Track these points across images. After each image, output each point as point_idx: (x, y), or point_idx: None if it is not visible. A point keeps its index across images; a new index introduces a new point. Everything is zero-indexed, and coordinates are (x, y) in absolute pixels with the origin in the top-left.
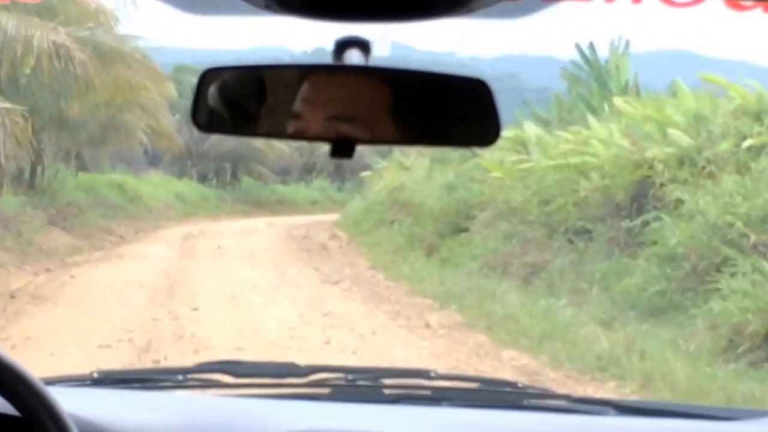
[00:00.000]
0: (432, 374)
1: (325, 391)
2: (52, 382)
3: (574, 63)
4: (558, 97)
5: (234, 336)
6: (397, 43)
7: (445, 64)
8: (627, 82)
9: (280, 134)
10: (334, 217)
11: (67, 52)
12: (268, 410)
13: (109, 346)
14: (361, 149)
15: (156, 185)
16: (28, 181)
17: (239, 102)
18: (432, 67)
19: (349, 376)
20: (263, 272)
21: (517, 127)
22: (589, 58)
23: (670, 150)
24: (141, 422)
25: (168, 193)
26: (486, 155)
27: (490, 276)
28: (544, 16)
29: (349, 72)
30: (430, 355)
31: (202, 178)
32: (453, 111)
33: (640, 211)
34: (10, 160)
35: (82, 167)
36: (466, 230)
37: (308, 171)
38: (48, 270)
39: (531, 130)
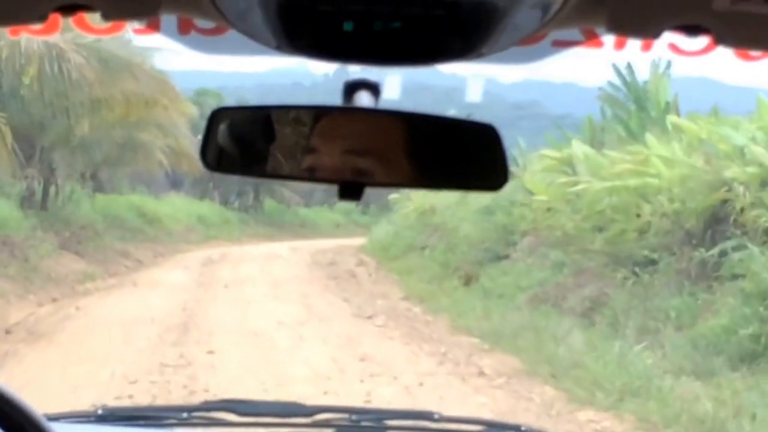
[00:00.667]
0: (436, 416)
1: (329, 431)
2: (56, 418)
3: (611, 84)
4: (590, 119)
5: (256, 389)
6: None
7: (463, 90)
8: (667, 104)
9: (291, 176)
10: (359, 241)
11: (63, 54)
12: None
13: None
14: None
15: (177, 207)
16: (40, 203)
17: (248, 142)
18: (452, 94)
19: (353, 417)
20: (289, 304)
21: (564, 146)
22: (627, 79)
23: (751, 170)
24: None
25: (189, 216)
26: (527, 176)
27: (542, 311)
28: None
29: (360, 114)
30: (491, 413)
31: (224, 201)
32: (463, 155)
33: (714, 239)
34: None
35: (99, 188)
36: (506, 257)
37: (332, 193)
38: (54, 300)
39: (579, 148)
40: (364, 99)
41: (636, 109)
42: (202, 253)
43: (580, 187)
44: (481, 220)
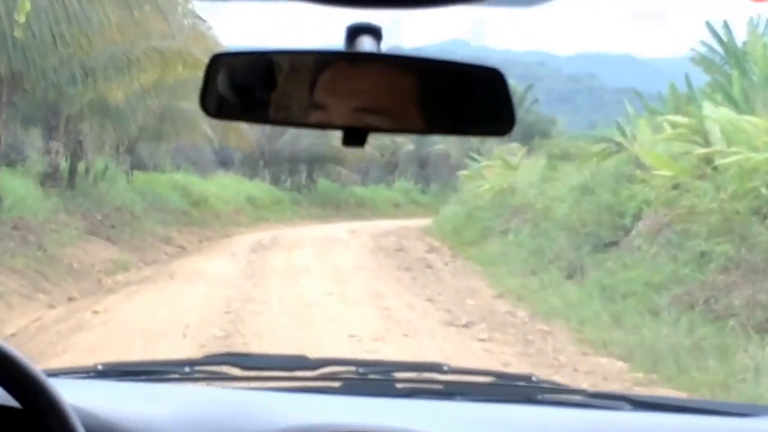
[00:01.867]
0: (445, 368)
1: (336, 384)
2: (55, 374)
3: (706, 46)
4: (673, 87)
5: None
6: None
7: (521, 63)
8: None
9: (293, 122)
10: (422, 222)
11: None
12: (277, 403)
13: None
14: (450, 149)
15: (224, 187)
16: (66, 181)
17: (250, 88)
18: (508, 68)
19: (360, 370)
20: (359, 307)
21: (691, 108)
22: (723, 40)
23: None
24: (146, 414)
25: (238, 196)
26: (638, 147)
27: (700, 320)
28: (616, 12)
29: (363, 59)
30: None
31: (275, 180)
32: (468, 100)
33: None
34: None
35: (139, 165)
36: (614, 245)
37: (389, 171)
38: (70, 300)
39: (716, 112)
40: (366, 44)
41: (738, 73)
42: (252, 237)
43: (733, 158)
44: (579, 200)
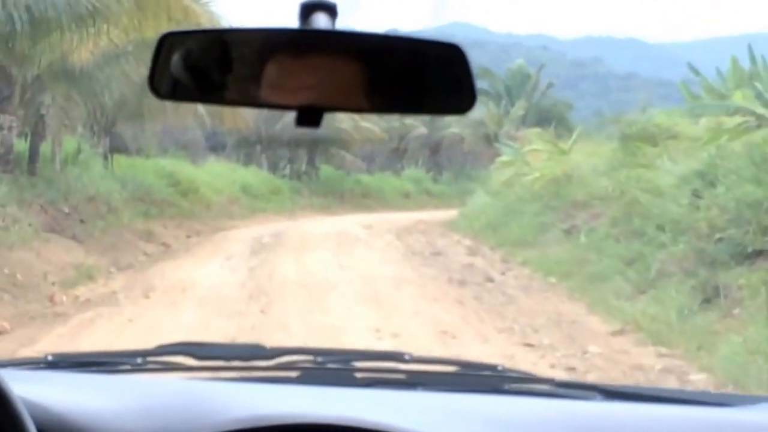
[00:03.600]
0: (407, 357)
1: (294, 374)
2: (3, 365)
3: None
4: (735, 61)
5: None
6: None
7: (523, 47)
8: None
9: (246, 102)
10: (441, 215)
11: None
12: (233, 393)
13: None
14: (464, 133)
15: (217, 175)
16: (26, 165)
17: (202, 68)
18: (510, 51)
19: (319, 359)
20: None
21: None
22: None
23: None
24: (98, 406)
25: (232, 185)
26: None
27: None
28: None
29: (318, 36)
30: None
31: (273, 167)
32: (426, 77)
33: None
34: None
35: (120, 149)
36: (760, 255)
37: (398, 157)
38: None
39: None
40: (321, 21)
41: None
42: (249, 232)
43: None
44: (698, 193)
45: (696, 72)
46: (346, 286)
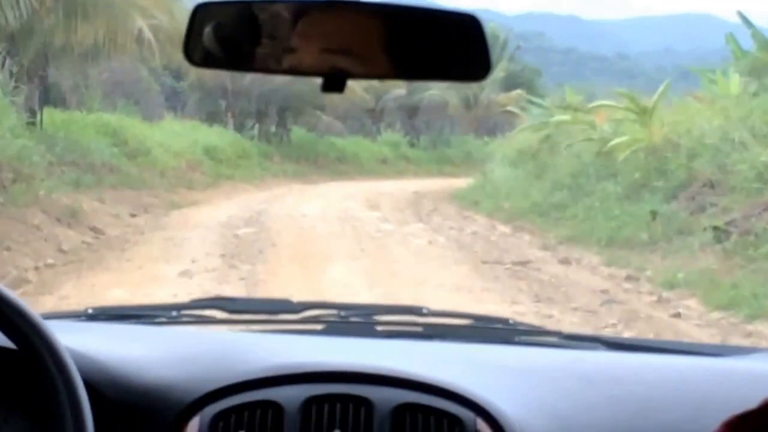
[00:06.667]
0: (424, 310)
1: (318, 327)
2: (47, 317)
3: None
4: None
5: None
6: None
7: None
8: None
9: (274, 69)
10: (437, 185)
11: None
12: (260, 343)
13: None
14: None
15: (175, 134)
16: None
17: (233, 37)
18: None
19: (342, 313)
20: None
21: None
22: None
23: None
24: (135, 355)
25: (193, 146)
26: None
27: None
28: None
29: (342, 6)
30: None
31: (240, 127)
32: (445, 46)
33: None
34: None
35: (56, 101)
36: None
37: (373, 120)
38: None
39: None
40: None
41: None
42: (216, 213)
43: None
44: None
45: (749, 24)
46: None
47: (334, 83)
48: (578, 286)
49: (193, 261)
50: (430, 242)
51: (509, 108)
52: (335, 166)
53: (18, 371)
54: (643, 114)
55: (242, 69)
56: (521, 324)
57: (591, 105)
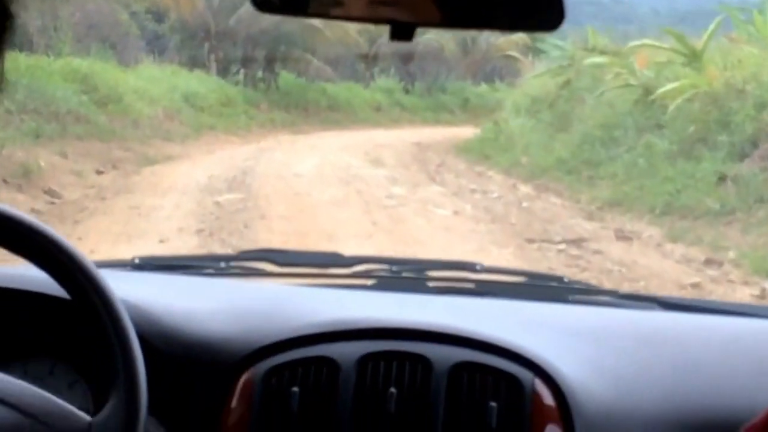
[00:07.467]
0: (478, 267)
1: (369, 281)
2: (96, 266)
3: None
4: None
5: None
6: None
7: None
8: None
9: (342, 15)
10: (438, 134)
11: None
12: (312, 297)
13: None
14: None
15: (152, 79)
16: None
17: None
18: None
19: (394, 268)
20: None
21: None
22: None
23: None
24: (183, 306)
25: (171, 93)
26: None
27: None
28: None
29: None
30: None
31: (224, 71)
32: None
33: None
34: None
35: (23, 45)
36: None
37: (366, 65)
38: None
39: None
40: None
41: None
42: (196, 171)
43: None
44: None
45: None
46: None
47: (403, 32)
48: (660, 278)
49: (162, 241)
50: (456, 212)
51: (509, 53)
52: (327, 114)
53: (67, 323)
54: (694, 57)
55: (304, 14)
56: (576, 282)
57: (631, 45)
